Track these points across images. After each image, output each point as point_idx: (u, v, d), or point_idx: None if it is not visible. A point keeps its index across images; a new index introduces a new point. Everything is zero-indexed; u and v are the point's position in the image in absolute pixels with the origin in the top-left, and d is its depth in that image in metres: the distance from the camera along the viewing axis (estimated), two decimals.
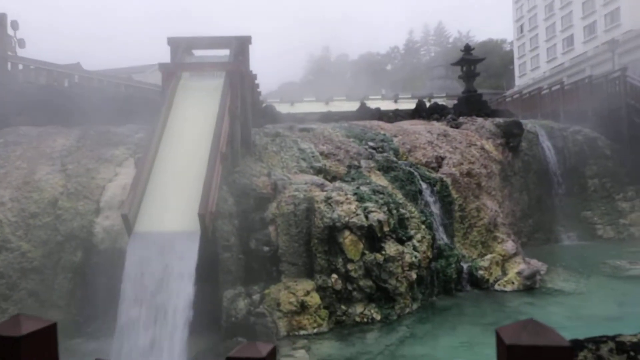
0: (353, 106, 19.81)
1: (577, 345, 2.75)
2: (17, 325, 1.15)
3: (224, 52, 9.96)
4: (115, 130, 9.67)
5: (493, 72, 67.81)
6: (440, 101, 23.06)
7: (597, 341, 2.75)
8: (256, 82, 13.31)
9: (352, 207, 7.99)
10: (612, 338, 2.75)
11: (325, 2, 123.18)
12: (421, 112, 17.21)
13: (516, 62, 64.07)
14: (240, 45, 9.36)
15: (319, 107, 23.94)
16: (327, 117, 17.10)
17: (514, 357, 1.20)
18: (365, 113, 17.18)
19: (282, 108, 20.67)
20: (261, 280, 7.80)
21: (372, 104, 19.70)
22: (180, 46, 9.28)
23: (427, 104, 18.66)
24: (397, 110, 18.39)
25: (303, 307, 7.28)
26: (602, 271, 10.67)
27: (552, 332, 1.19)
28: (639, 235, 14.33)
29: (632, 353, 2.57)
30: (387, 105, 21.42)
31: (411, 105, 19.63)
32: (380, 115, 17.12)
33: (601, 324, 7.52)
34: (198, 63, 9.11)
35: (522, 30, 62.30)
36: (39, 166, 8.06)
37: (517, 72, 63.22)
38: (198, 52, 10.57)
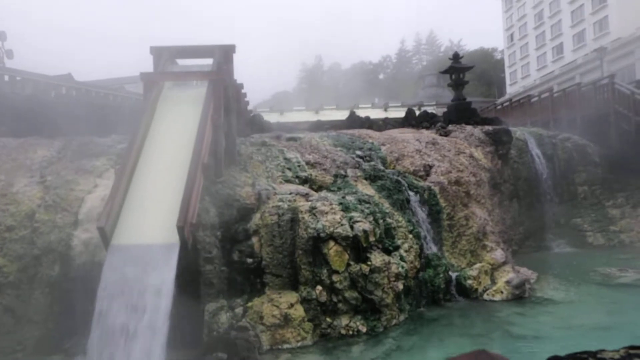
0: (343, 115, 19.76)
1: None
2: None
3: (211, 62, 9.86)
4: (98, 141, 9.51)
5: (485, 81, 68.28)
6: (430, 109, 23.07)
7: (578, 358, 2.63)
8: (243, 91, 13.21)
9: (337, 217, 7.86)
10: (594, 354, 2.62)
11: (319, 12, 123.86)
12: (411, 121, 17.17)
13: (507, 71, 64.55)
14: (224, 54, 9.25)
15: (309, 116, 23.89)
16: (317, 126, 17.03)
17: None
18: (355, 122, 17.12)
19: (272, 117, 20.59)
20: (244, 292, 7.64)
21: (362, 113, 19.65)
22: (163, 55, 9.16)
23: (417, 112, 18.62)
24: (386, 118, 18.35)
25: (287, 320, 7.12)
26: (592, 279, 10.58)
27: None
28: (629, 242, 14.29)
29: None
30: (377, 114, 21.38)
31: (401, 113, 19.59)
32: (370, 123, 17.07)
33: (590, 333, 7.41)
34: (180, 72, 8.99)
35: (512, 39, 62.82)
36: (17, 178, 7.89)
37: (508, 80, 63.65)
38: (187, 62, 10.48)
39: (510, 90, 59.73)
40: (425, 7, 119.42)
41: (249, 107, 15.70)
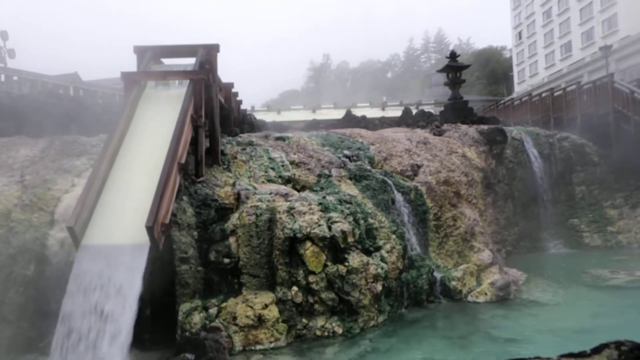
0: (340, 114, 19.67)
1: None
2: None
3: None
4: (81, 140, 9.54)
5: (494, 79, 67.72)
6: (428, 108, 22.89)
7: None
8: (235, 90, 13.19)
9: (315, 217, 7.79)
10: None
11: (327, 10, 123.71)
12: (407, 120, 17.05)
13: (515, 69, 63.89)
14: (207, 54, 9.22)
15: (306, 115, 23.84)
16: (312, 126, 16.98)
17: None
18: (351, 121, 17.04)
19: (269, 117, 20.57)
20: (221, 292, 7.60)
21: (360, 112, 19.56)
22: (146, 54, 9.16)
23: (415, 112, 18.49)
24: (383, 117, 18.25)
25: (260, 321, 7.07)
26: (583, 281, 10.41)
27: None
28: (627, 243, 14.06)
29: None
30: (374, 113, 21.28)
31: (398, 112, 19.47)
32: (366, 123, 16.96)
33: (572, 336, 7.27)
34: (161, 72, 8.97)
35: (520, 37, 62.23)
36: None
37: (516, 79, 63.02)
38: (176, 61, 10.46)
39: (519, 88, 59.10)
40: (434, 5, 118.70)
41: (243, 107, 15.66)
